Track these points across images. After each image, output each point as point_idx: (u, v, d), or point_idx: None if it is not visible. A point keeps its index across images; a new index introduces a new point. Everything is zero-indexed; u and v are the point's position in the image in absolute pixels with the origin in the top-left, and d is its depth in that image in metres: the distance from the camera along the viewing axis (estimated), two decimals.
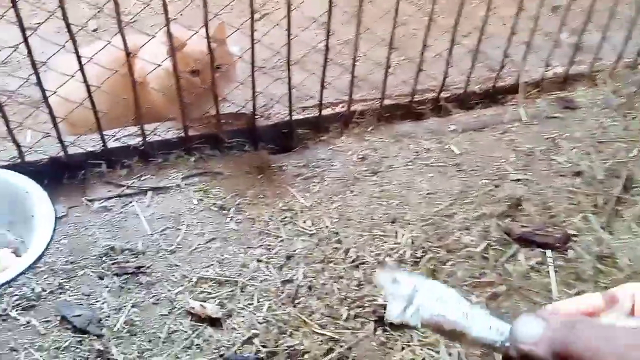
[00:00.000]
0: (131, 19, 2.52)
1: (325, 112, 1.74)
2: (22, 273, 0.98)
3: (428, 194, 1.57)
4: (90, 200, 1.51)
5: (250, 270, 1.36)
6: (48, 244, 1.02)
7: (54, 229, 1.06)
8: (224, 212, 1.51)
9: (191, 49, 1.56)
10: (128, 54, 1.40)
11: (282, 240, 1.43)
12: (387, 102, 1.79)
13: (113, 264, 1.36)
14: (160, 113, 1.66)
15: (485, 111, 1.88)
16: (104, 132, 1.53)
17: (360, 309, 1.29)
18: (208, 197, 1.55)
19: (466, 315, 0.40)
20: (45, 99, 1.37)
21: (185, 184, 1.58)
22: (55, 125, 1.43)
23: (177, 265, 1.37)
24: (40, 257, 1.01)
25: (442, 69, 1.81)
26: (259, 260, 1.38)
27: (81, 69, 1.36)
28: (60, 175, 1.54)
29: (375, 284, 0.45)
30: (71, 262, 1.35)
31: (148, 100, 1.62)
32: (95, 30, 2.46)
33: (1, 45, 1.65)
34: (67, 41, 1.33)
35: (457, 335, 0.40)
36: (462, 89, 1.87)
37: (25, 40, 1.26)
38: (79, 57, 1.34)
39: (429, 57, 1.76)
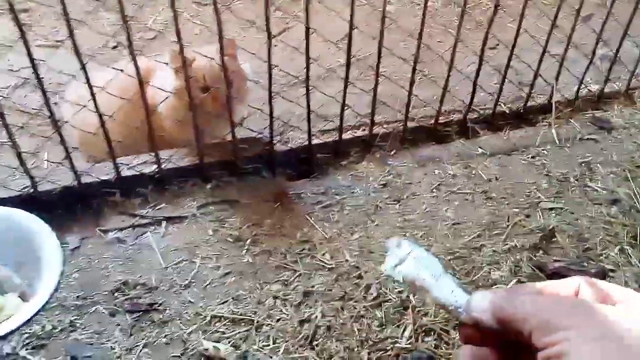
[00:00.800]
0: (152, 37, 2.50)
1: (345, 135, 1.68)
2: (26, 322, 0.95)
3: (454, 224, 1.49)
4: (103, 231, 1.47)
5: (266, 307, 1.30)
6: (53, 291, 0.98)
7: (62, 272, 1.02)
8: (239, 243, 1.45)
9: (200, 64, 1.50)
10: (141, 82, 1.36)
11: (299, 275, 1.37)
12: (410, 124, 1.72)
13: (125, 299, 1.32)
14: (174, 139, 1.61)
15: (515, 132, 1.79)
16: (119, 160, 1.49)
17: (382, 352, 1.22)
18: (224, 227, 1.49)
19: (436, 279, 0.47)
20: (57, 129, 1.34)
21: (201, 213, 1.53)
22: (68, 154, 1.40)
23: (190, 302, 1.31)
24: (45, 305, 0.97)
25: (468, 88, 1.73)
26: (275, 297, 1.32)
27: (93, 98, 1.32)
28: (73, 204, 1.51)
29: (387, 245, 0.52)
30: (83, 298, 1.31)
31: (160, 126, 1.58)
32: (115, 47, 2.44)
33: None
34: (82, 66, 1.29)
35: (423, 292, 0.48)
36: (491, 109, 1.78)
37: (33, 65, 1.23)
38: (90, 87, 1.30)
39: (454, 75, 1.68)
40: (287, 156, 1.65)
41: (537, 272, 1.37)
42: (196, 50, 1.49)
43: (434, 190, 1.60)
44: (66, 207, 1.50)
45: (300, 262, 1.40)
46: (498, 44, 1.75)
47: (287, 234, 1.47)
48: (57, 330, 1.25)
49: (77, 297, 1.32)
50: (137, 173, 1.53)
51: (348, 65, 1.52)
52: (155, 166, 1.54)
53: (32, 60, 1.22)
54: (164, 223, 1.50)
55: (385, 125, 1.72)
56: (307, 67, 1.50)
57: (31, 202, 1.45)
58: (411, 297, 1.31)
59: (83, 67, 1.26)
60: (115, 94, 1.42)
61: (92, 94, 1.31)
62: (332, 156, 1.68)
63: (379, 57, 1.54)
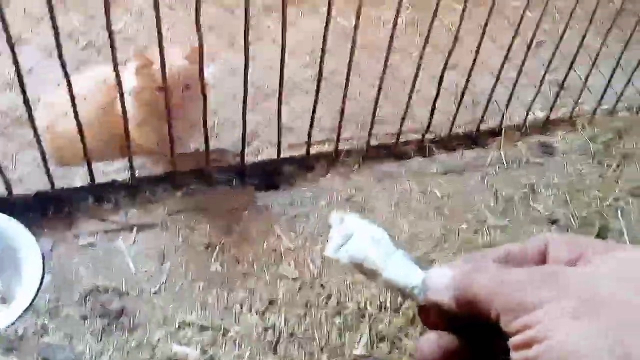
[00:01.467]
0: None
1: (312, 150, 1.77)
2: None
3: (410, 237, 1.61)
4: (75, 236, 1.51)
5: (233, 314, 1.38)
6: (34, 296, 1.04)
7: (42, 278, 1.08)
8: (209, 250, 1.53)
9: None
10: (121, 91, 1.41)
11: (265, 284, 1.46)
12: (372, 142, 1.83)
13: (96, 304, 1.37)
14: (138, 142, 1.63)
15: (467, 153, 1.93)
16: (93, 166, 1.54)
17: (340, 357, 1.32)
18: (193, 234, 1.57)
19: (387, 257, 0.40)
20: (35, 133, 1.38)
21: (171, 220, 1.59)
22: (44, 159, 1.44)
23: (160, 307, 1.38)
24: (26, 310, 1.02)
25: (427, 108, 1.85)
26: (241, 304, 1.40)
27: (74, 106, 1.36)
28: (46, 209, 1.54)
29: (328, 222, 0.44)
30: (55, 301, 1.36)
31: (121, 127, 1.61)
32: (84, 48, 2.45)
33: None
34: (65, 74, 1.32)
35: (373, 275, 0.40)
36: (446, 131, 1.91)
37: (17, 64, 1.26)
38: (71, 92, 1.34)
39: (415, 95, 1.80)
40: (256, 168, 1.74)
41: None
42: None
43: (392, 205, 1.71)
44: (39, 211, 1.53)
45: (266, 270, 1.49)
46: (457, 65, 1.88)
47: (254, 243, 1.55)
48: (29, 333, 1.29)
49: (49, 300, 1.36)
50: (110, 180, 1.58)
51: (319, 83, 1.61)
52: (128, 173, 1.59)
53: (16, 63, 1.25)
54: (134, 229, 1.56)
55: (349, 142, 1.82)
56: (281, 84, 1.58)
57: (4, 205, 1.48)
58: (368, 306, 1.42)
59: (66, 76, 1.30)
60: (83, 98, 1.45)
61: (73, 101, 1.35)
62: (299, 169, 1.77)
63: (348, 77, 1.64)
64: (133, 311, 1.37)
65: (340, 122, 1.73)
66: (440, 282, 0.36)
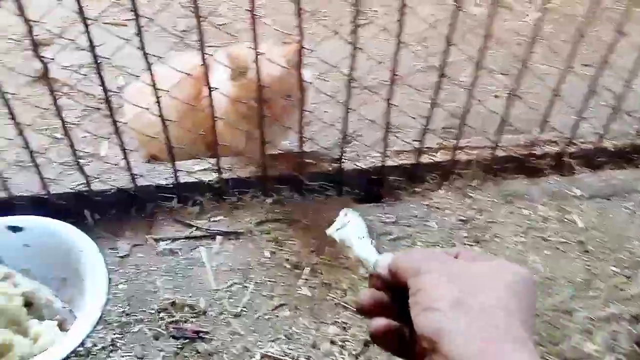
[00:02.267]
0: (222, 23, 2.39)
1: (422, 158, 1.50)
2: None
3: (543, 278, 1.30)
4: (155, 240, 1.37)
5: (322, 353, 1.17)
6: (94, 325, 0.88)
7: (106, 302, 0.92)
8: (297, 271, 1.32)
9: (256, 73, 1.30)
10: (208, 84, 1.24)
11: (361, 320, 1.23)
12: (499, 152, 1.52)
13: (171, 322, 1.22)
14: (227, 143, 1.45)
15: (616, 174, 1.56)
16: (178, 165, 1.39)
17: None
18: (281, 249, 1.37)
19: (360, 240, 0.58)
20: (116, 129, 1.24)
21: (259, 231, 1.41)
22: (125, 156, 1.30)
23: (239, 335, 1.20)
24: (85, 340, 0.87)
25: (571, 113, 1.51)
26: (332, 342, 1.18)
27: (158, 102, 1.21)
28: (127, 206, 1.42)
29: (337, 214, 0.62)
30: (127, 314, 1.22)
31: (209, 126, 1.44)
32: (184, 31, 2.34)
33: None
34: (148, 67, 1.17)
35: (350, 251, 0.58)
36: (591, 143, 1.56)
37: (96, 60, 1.12)
38: (154, 87, 1.19)
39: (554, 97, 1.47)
40: (356, 176, 1.50)
41: (638, 350, 1.17)
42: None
43: (521, 234, 1.41)
44: (119, 209, 1.41)
45: None
46: (613, 64, 1.51)
47: (350, 267, 1.33)
48: (97, 348, 1.16)
49: (122, 312, 1.23)
50: (196, 180, 1.42)
51: (440, 80, 1.34)
52: (215, 174, 1.43)
53: (92, 46, 1.10)
54: (218, 238, 1.39)
55: (468, 151, 1.53)
56: (392, 82, 1.33)
57: (83, 200, 1.37)
58: None
59: (149, 68, 1.15)
60: (171, 91, 1.29)
61: (157, 98, 1.20)
62: (406, 180, 1.51)
63: (476, 72, 1.35)
64: (210, 335, 1.20)
65: (461, 126, 1.44)
66: (385, 260, 0.53)
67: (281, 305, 1.26)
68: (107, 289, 0.92)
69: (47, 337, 0.87)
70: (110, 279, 1.29)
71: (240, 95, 1.34)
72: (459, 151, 1.50)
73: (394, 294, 0.50)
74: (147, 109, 1.25)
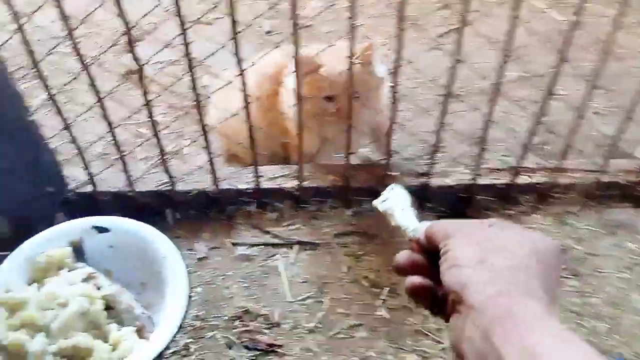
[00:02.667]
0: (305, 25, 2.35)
1: (519, 178, 1.39)
2: None
3: None
4: (233, 244, 1.35)
5: None
6: (172, 336, 0.86)
7: (185, 313, 0.90)
8: (375, 290, 1.26)
9: (328, 70, 1.26)
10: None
11: (443, 349, 1.14)
12: (604, 178, 1.38)
13: (245, 331, 1.19)
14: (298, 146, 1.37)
15: None
16: (260, 170, 1.36)
17: None
18: (360, 265, 1.31)
19: (402, 210, 0.61)
20: (204, 132, 1.23)
21: (337, 243, 1.35)
22: (210, 159, 1.29)
23: (313, 352, 1.15)
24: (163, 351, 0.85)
25: None
26: None
27: (246, 104, 1.18)
28: (207, 208, 1.41)
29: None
30: (202, 319, 1.21)
31: (285, 129, 1.41)
32: (269, 32, 2.33)
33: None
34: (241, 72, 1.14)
35: (392, 219, 0.62)
36: None
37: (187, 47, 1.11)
38: (244, 89, 1.16)
39: None
40: (443, 192, 1.41)
41: None
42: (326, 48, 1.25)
43: (625, 269, 1.27)
44: (199, 210, 1.41)
45: (446, 331, 1.17)
46: None
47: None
48: (169, 352, 1.15)
49: (197, 316, 1.22)
50: (277, 187, 1.39)
51: (545, 99, 1.23)
52: (296, 182, 1.39)
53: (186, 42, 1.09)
54: (296, 247, 1.35)
55: (570, 174, 1.40)
56: (496, 94, 1.23)
57: (165, 199, 1.38)
58: None
59: (241, 73, 1.12)
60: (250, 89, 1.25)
61: (246, 102, 1.17)
62: (497, 201, 1.41)
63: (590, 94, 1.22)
64: (283, 350, 1.16)
65: (566, 146, 1.31)
66: (422, 227, 0.56)
67: (357, 325, 1.20)
68: (188, 299, 0.90)
69: (126, 344, 0.86)
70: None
71: (309, 94, 1.25)
72: (560, 173, 1.37)
73: (430, 258, 0.54)
74: (235, 114, 1.22)
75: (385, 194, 0.65)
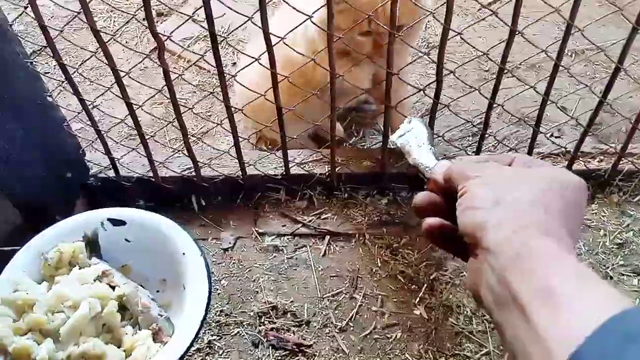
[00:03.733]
0: None
1: (576, 164, 1.25)
2: None
3: None
4: (260, 234, 1.27)
5: None
6: (191, 343, 0.79)
7: (205, 317, 0.83)
8: (412, 287, 1.16)
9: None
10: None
11: (486, 354, 1.04)
12: None
13: (272, 329, 1.12)
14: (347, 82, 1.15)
15: None
16: (290, 154, 1.27)
17: None
18: (396, 259, 1.21)
19: (418, 146, 0.60)
20: (230, 116, 1.14)
21: (370, 234, 1.26)
22: (236, 144, 1.20)
23: (344, 353, 1.07)
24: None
25: None
26: None
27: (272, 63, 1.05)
28: (234, 194, 1.33)
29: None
30: (227, 314, 1.15)
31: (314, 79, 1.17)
32: None
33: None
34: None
35: (409, 155, 0.61)
36: None
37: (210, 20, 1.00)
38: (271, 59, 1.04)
39: None
40: None
41: None
42: None
43: None
44: (225, 197, 1.33)
45: (491, 334, 1.07)
46: None
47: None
48: (193, 349, 1.09)
49: (221, 311, 1.15)
50: (306, 173, 1.29)
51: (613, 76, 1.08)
52: (327, 167, 1.29)
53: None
54: (327, 238, 1.26)
55: (636, 160, 1.25)
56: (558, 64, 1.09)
57: (191, 185, 1.30)
58: None
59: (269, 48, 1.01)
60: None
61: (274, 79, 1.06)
62: None
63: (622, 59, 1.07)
64: (313, 350, 1.08)
65: (634, 125, 1.16)
66: (440, 167, 0.56)
67: (393, 325, 1.11)
68: (209, 302, 0.82)
69: (140, 350, 0.80)
70: (212, 272, 1.22)
71: (342, 27, 1.04)
72: (624, 159, 1.22)
73: (448, 199, 0.51)
74: (262, 94, 1.11)
75: (402, 127, 0.64)
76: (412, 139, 0.61)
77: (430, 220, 0.52)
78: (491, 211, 0.44)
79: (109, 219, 0.94)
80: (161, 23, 2.03)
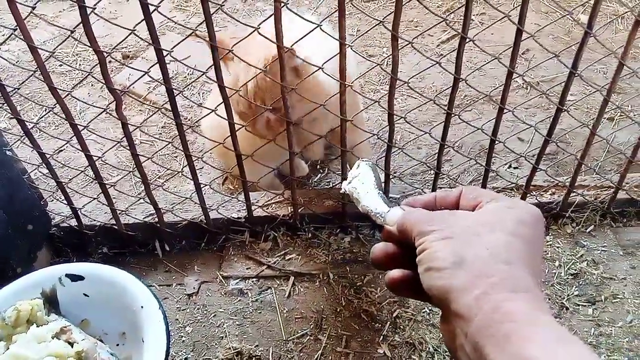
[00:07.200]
0: None
1: (529, 199, 1.30)
2: None
3: None
4: (225, 278, 1.28)
5: None
6: None
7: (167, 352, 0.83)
8: (376, 325, 1.18)
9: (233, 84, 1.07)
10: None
11: None
12: (620, 194, 1.28)
13: None
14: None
15: None
16: (252, 196, 1.29)
17: None
18: (359, 297, 1.23)
19: (367, 192, 0.59)
20: (190, 163, 1.15)
21: (334, 273, 1.27)
22: (198, 189, 1.22)
23: None
24: None
25: None
26: None
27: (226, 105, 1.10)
28: (198, 239, 1.34)
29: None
30: None
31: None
32: None
33: None
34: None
35: (358, 203, 0.59)
36: None
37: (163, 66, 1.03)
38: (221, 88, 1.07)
39: None
40: None
41: None
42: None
43: None
44: (189, 241, 1.34)
45: None
46: None
47: (436, 324, 1.16)
48: None
49: (186, 359, 1.15)
50: (269, 214, 1.31)
51: (558, 112, 1.14)
52: (290, 208, 1.31)
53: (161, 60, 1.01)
54: (291, 279, 1.27)
55: (585, 191, 1.30)
56: (497, 123, 1.14)
57: (153, 231, 1.31)
58: None
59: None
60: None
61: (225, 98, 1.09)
62: None
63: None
64: None
65: (580, 161, 1.21)
66: (393, 216, 0.53)
67: None
68: (167, 356, 0.83)
69: None
70: (176, 319, 1.22)
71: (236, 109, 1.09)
72: (574, 192, 1.27)
73: (406, 247, 0.50)
74: (221, 142, 1.14)
75: (351, 173, 0.62)
76: (360, 185, 0.60)
77: (392, 274, 0.51)
78: (454, 273, 0.43)
79: (67, 275, 0.94)
80: (125, 67, 2.05)
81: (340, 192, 0.63)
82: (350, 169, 0.64)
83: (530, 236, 0.45)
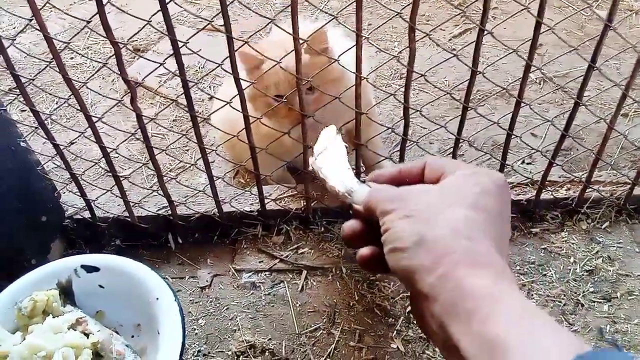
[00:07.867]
0: None
1: (544, 193, 1.29)
2: None
3: None
4: (238, 271, 1.28)
5: None
6: None
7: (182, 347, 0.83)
8: (390, 320, 1.17)
9: (269, 67, 1.07)
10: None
11: None
12: (637, 190, 1.27)
13: None
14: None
15: None
16: (265, 190, 1.28)
17: None
18: (372, 292, 1.22)
19: (335, 172, 0.55)
20: (204, 156, 1.15)
21: (347, 267, 1.27)
22: (211, 182, 1.21)
23: None
24: None
25: None
26: None
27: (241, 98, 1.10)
28: (211, 232, 1.34)
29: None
30: (204, 355, 1.14)
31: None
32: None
33: None
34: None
35: (325, 182, 0.56)
36: None
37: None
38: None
39: None
40: None
41: None
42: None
43: None
44: (202, 234, 1.34)
45: None
46: None
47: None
48: None
49: (199, 351, 1.15)
50: (282, 208, 1.31)
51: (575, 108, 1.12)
52: (303, 202, 1.31)
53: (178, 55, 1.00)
54: (304, 273, 1.27)
55: (601, 187, 1.29)
56: (514, 117, 1.13)
57: (166, 224, 1.31)
58: None
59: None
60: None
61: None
62: (521, 218, 1.30)
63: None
64: None
65: (598, 156, 1.20)
66: (361, 194, 0.52)
67: (370, 359, 1.12)
68: (183, 348, 0.83)
69: None
70: (189, 312, 1.22)
71: (256, 93, 1.12)
72: (590, 188, 1.26)
73: (375, 225, 0.49)
74: (235, 135, 1.13)
75: (317, 147, 0.58)
76: (327, 161, 0.56)
77: (362, 252, 0.51)
78: (416, 253, 0.42)
79: (82, 266, 0.94)
80: (138, 59, 2.05)
81: (308, 169, 0.60)
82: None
83: (493, 206, 0.44)
